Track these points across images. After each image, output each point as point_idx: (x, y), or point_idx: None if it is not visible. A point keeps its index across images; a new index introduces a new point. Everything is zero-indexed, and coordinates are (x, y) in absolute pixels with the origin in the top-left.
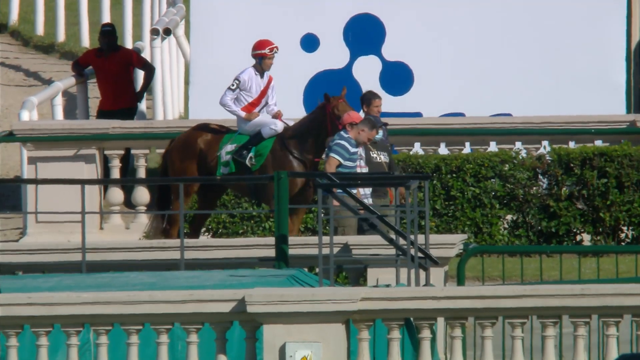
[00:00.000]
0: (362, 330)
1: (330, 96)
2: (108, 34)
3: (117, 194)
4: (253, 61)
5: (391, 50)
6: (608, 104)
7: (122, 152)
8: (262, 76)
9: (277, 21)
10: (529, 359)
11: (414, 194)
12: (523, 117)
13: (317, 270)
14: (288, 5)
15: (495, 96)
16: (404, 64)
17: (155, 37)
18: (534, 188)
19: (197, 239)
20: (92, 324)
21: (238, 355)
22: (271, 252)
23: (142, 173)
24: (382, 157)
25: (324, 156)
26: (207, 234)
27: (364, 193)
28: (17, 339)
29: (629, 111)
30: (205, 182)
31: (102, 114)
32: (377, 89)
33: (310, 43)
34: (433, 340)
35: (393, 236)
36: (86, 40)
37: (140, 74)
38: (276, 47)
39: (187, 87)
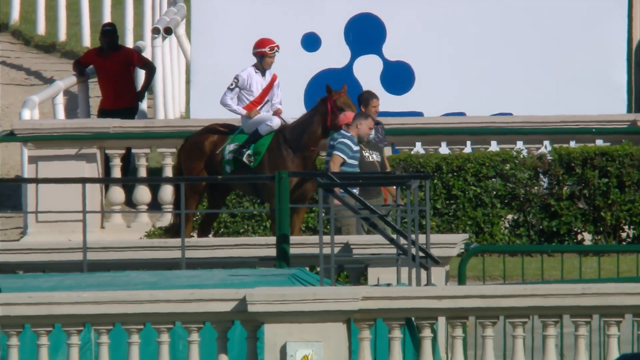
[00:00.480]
0: (363, 329)
1: (332, 89)
2: (109, 34)
3: (118, 193)
4: (254, 60)
5: (392, 49)
6: (609, 103)
7: (123, 151)
8: (263, 74)
9: (277, 21)
10: (530, 359)
11: (414, 193)
12: (524, 116)
13: (318, 269)
14: (289, 5)
15: (496, 96)
16: (404, 64)
17: (156, 36)
18: (535, 187)
19: (207, 237)
20: (93, 323)
21: (239, 354)
22: (272, 252)
23: (143, 172)
24: (374, 157)
25: (324, 155)
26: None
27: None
28: (17, 338)
29: (629, 111)
30: (206, 182)
31: (103, 113)
32: (378, 88)
33: (311, 42)
34: (434, 340)
35: (394, 236)
36: (87, 40)
37: (141, 74)
38: (277, 45)
39: (188, 86)
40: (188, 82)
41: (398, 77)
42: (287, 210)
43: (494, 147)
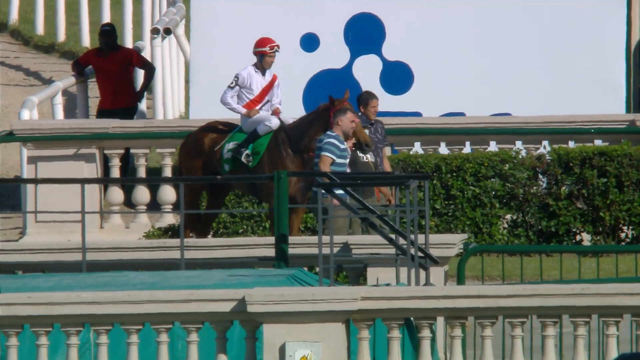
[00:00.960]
0: (362, 329)
1: (334, 98)
2: (107, 34)
3: (117, 194)
4: (253, 60)
5: (391, 49)
6: (608, 103)
7: (122, 151)
8: (263, 74)
9: (277, 21)
10: (529, 359)
11: (414, 193)
12: (523, 116)
13: (317, 269)
14: (288, 5)
15: (495, 96)
16: (404, 64)
17: (156, 36)
18: (534, 187)
19: (206, 237)
20: (92, 323)
21: (238, 354)
22: (271, 252)
23: (142, 172)
24: (369, 157)
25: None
26: None
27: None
28: (17, 338)
29: (628, 111)
30: (205, 182)
31: (102, 113)
32: (377, 88)
33: (310, 43)
34: (433, 340)
35: (393, 236)
36: (86, 40)
37: (140, 74)
38: (277, 45)
39: (187, 86)
40: (187, 82)
41: (397, 77)
42: (286, 211)
43: (492, 147)
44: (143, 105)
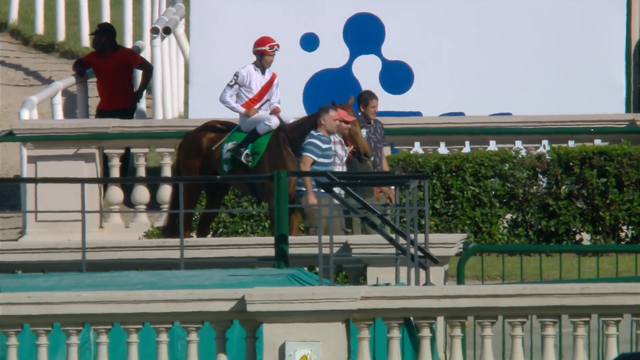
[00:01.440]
0: (362, 329)
1: (337, 104)
2: (97, 34)
3: (116, 193)
4: (253, 59)
5: (391, 49)
6: (607, 103)
7: (121, 151)
8: (262, 73)
9: (276, 20)
10: (529, 359)
11: (413, 193)
12: (523, 116)
13: (317, 269)
14: (288, 5)
15: (495, 95)
16: (403, 63)
17: (155, 36)
18: (534, 187)
19: (205, 237)
20: (91, 323)
21: (238, 354)
22: (271, 252)
23: (141, 172)
24: None
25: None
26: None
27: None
28: (16, 338)
29: (628, 110)
30: (204, 182)
31: (101, 113)
32: (377, 88)
33: (310, 42)
34: (433, 340)
35: (393, 235)
36: (86, 40)
37: (139, 74)
38: (277, 44)
39: (186, 86)
40: (187, 81)
41: (397, 77)
42: (286, 210)
43: (492, 146)
44: (142, 105)
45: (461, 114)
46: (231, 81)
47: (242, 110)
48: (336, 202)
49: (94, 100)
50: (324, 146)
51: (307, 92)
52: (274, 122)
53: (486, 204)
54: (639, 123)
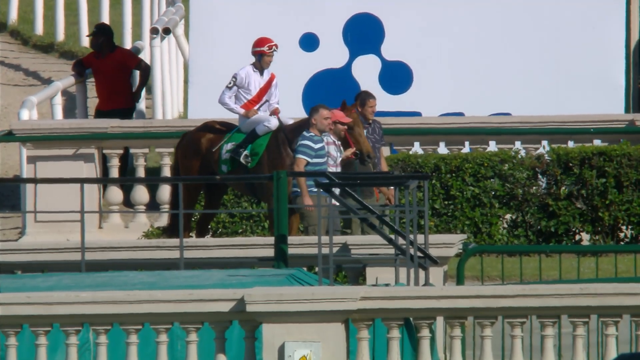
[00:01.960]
0: (361, 329)
1: (347, 104)
2: (94, 35)
3: (116, 193)
4: (252, 59)
5: (390, 49)
6: (607, 103)
7: (121, 151)
8: (261, 74)
9: (276, 20)
10: (528, 359)
11: (413, 193)
12: (522, 116)
13: (316, 269)
14: (287, 5)
15: (494, 96)
16: (403, 64)
17: (155, 36)
18: (533, 187)
19: (204, 237)
20: (91, 323)
21: (237, 354)
22: (270, 252)
23: (141, 172)
24: None
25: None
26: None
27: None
28: (16, 338)
29: (627, 111)
30: (204, 182)
31: (99, 114)
32: (376, 88)
33: (309, 42)
34: (432, 340)
35: (392, 236)
36: (85, 40)
37: (138, 74)
38: (275, 45)
39: (186, 86)
40: (186, 82)
41: (396, 77)
42: (286, 211)
43: (492, 147)
44: (142, 105)
45: (461, 114)
46: (230, 83)
47: (242, 111)
48: (335, 202)
49: (93, 101)
50: (316, 146)
51: (307, 93)
52: (273, 123)
53: (486, 204)
54: (638, 123)
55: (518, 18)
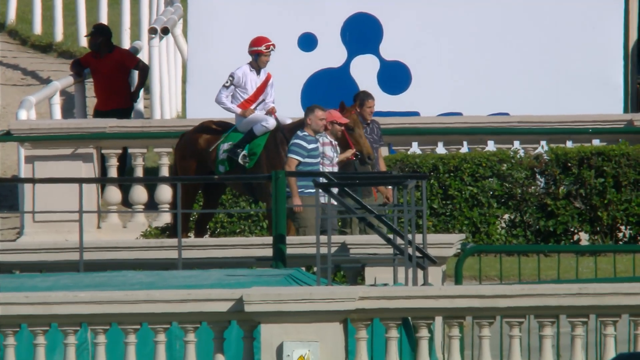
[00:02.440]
0: (359, 329)
1: (346, 106)
2: (92, 35)
3: (114, 193)
4: (249, 59)
5: (389, 49)
6: (606, 103)
7: (119, 151)
8: (258, 73)
9: (274, 20)
10: (527, 359)
11: (411, 193)
12: (521, 116)
13: (314, 269)
14: (286, 5)
15: (493, 95)
16: (401, 63)
17: (153, 36)
18: (532, 187)
19: (202, 237)
20: (89, 323)
21: (236, 354)
22: (269, 252)
23: (139, 172)
24: None
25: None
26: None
27: (309, 192)
28: (14, 338)
29: (626, 110)
30: (202, 182)
31: (98, 114)
32: (375, 88)
33: (307, 42)
34: (431, 340)
35: (391, 235)
36: (83, 40)
37: (136, 74)
38: (272, 44)
39: (184, 86)
40: (184, 81)
41: (395, 77)
42: (284, 211)
43: (490, 147)
44: (140, 105)
45: (459, 114)
46: (227, 82)
47: (239, 111)
48: (334, 202)
49: (92, 101)
50: (310, 146)
51: (305, 92)
52: (271, 122)
53: (484, 204)
54: (636, 123)
55: (517, 18)
